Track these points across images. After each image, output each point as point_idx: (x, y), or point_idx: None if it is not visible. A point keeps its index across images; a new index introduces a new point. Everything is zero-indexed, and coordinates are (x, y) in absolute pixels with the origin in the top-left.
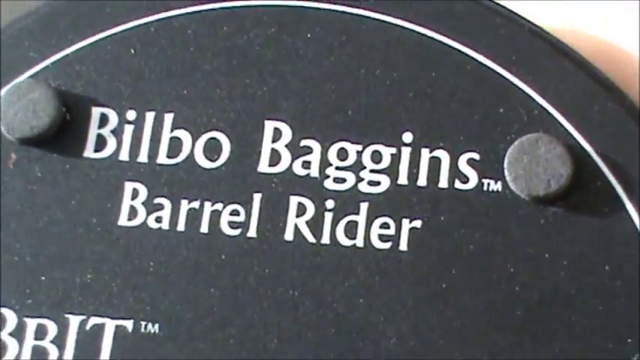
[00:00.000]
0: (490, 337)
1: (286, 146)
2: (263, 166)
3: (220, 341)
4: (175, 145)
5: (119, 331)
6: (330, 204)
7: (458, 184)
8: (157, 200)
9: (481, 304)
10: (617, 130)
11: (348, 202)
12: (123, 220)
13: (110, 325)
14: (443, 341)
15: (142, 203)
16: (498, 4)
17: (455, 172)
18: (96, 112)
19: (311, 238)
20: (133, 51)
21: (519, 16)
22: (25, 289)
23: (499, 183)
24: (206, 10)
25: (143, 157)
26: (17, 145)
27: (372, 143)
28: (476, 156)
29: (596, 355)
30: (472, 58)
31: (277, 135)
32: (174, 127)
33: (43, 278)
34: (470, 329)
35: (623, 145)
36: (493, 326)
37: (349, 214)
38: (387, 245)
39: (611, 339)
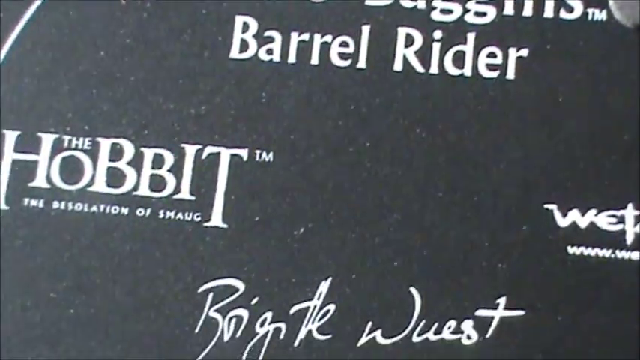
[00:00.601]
0: (596, 160)
1: None
2: None
3: (333, 168)
4: None
5: (234, 159)
6: (437, 35)
7: (563, 14)
8: (267, 33)
9: (587, 128)
10: None
11: (456, 32)
12: (234, 53)
13: (225, 154)
14: (551, 163)
15: (253, 36)
16: None
17: (560, 2)
18: None
19: (420, 68)
20: None
21: None
22: (141, 121)
23: (603, 12)
24: None
25: None
26: None
27: None
28: None
29: None
30: None
31: None
32: None
33: (158, 110)
34: (579, 152)
35: None
36: (599, 149)
37: (457, 44)
38: (495, 74)
39: None
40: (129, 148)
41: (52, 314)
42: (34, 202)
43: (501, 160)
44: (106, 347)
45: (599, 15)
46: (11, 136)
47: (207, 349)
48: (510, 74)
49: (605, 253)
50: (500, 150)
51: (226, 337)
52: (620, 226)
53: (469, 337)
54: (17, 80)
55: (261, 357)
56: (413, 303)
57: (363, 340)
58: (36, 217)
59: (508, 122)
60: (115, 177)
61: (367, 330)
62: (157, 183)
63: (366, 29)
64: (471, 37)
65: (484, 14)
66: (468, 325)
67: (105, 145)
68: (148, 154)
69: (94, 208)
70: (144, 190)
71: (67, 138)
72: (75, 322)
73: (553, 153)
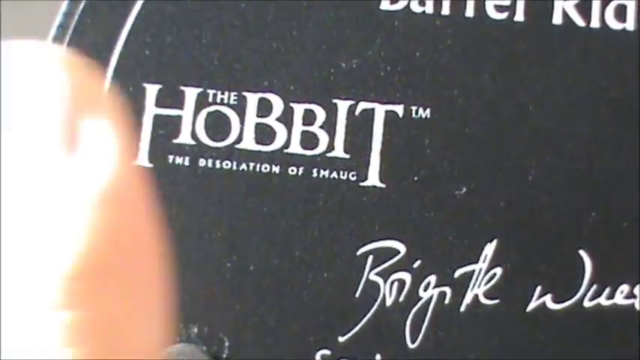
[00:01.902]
0: None
1: None
2: None
3: (492, 125)
4: None
5: (389, 116)
6: None
7: None
8: None
9: None
10: None
11: None
12: (385, 4)
13: (380, 110)
14: None
15: None
16: None
17: None
18: None
19: (580, 22)
20: None
21: None
22: (290, 75)
23: None
24: None
25: None
26: None
27: None
28: None
29: None
30: None
31: None
32: None
33: (307, 63)
34: None
35: None
36: None
37: None
38: None
39: None
40: (278, 104)
41: (202, 276)
42: (179, 160)
43: None
44: (262, 312)
45: None
46: (152, 90)
47: (369, 314)
48: None
49: None
50: None
51: (388, 301)
52: None
53: None
54: (157, 30)
55: (426, 323)
56: (583, 266)
57: (533, 305)
58: (182, 175)
59: None
60: (264, 133)
61: (537, 295)
62: (308, 140)
63: None
64: None
65: None
66: None
67: (252, 99)
68: (298, 109)
69: (244, 166)
70: (295, 148)
71: (211, 92)
72: (228, 286)
73: None
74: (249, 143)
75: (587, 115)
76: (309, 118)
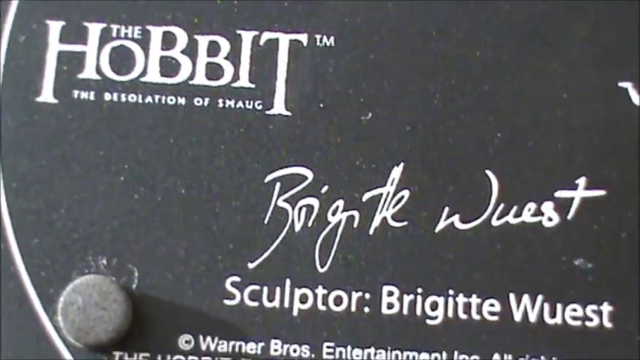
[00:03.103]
0: None
1: None
2: None
3: (396, 50)
4: None
5: (293, 45)
6: None
7: None
8: None
9: None
10: None
11: None
12: None
13: (284, 40)
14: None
15: None
16: None
17: None
18: None
19: None
20: None
21: None
22: (193, 7)
23: None
24: None
25: None
26: None
27: None
28: None
29: None
30: None
31: None
32: None
33: None
34: None
35: None
36: None
37: None
38: None
39: None
40: (182, 36)
41: (110, 209)
42: (84, 95)
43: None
44: (171, 242)
45: None
46: (55, 27)
47: (278, 240)
48: None
49: None
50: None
51: (297, 227)
52: None
53: (550, 219)
54: None
55: (335, 247)
56: (490, 186)
57: (441, 225)
58: (87, 109)
59: None
60: (169, 66)
61: (444, 215)
62: (213, 71)
63: None
64: None
65: None
66: (548, 207)
67: (156, 33)
68: (203, 41)
69: (149, 99)
70: (200, 79)
71: (115, 27)
72: (136, 217)
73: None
74: (154, 76)
75: (490, 39)
76: (213, 49)
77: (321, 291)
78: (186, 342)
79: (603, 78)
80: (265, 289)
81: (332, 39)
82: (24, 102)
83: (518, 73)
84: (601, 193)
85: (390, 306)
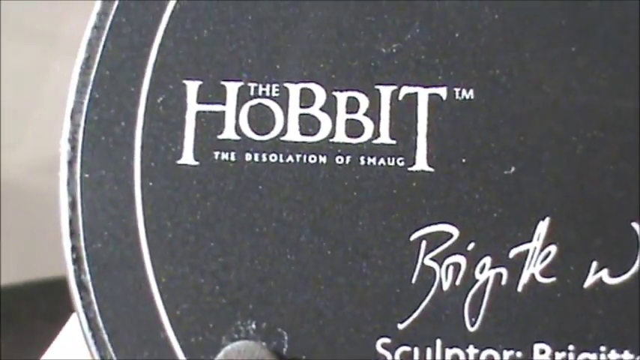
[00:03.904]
0: None
1: None
2: None
3: (536, 103)
4: None
5: (433, 99)
6: None
7: None
8: None
9: None
10: None
11: None
12: None
13: (423, 94)
14: None
15: None
16: None
17: None
18: None
19: None
20: None
21: None
22: (331, 63)
23: None
24: None
25: None
26: None
27: None
28: None
29: None
30: None
31: None
32: None
33: (348, 50)
34: None
35: None
36: None
37: None
38: None
39: None
40: (320, 93)
41: (256, 271)
42: (224, 155)
43: None
44: (320, 304)
45: None
46: (193, 87)
47: (427, 300)
48: None
49: None
50: None
51: (445, 285)
52: None
53: None
54: (193, 26)
55: (484, 305)
56: (637, 239)
57: (590, 280)
58: (229, 170)
59: None
60: (308, 124)
61: (593, 270)
62: (353, 128)
63: None
64: None
65: None
66: None
67: (294, 90)
68: (341, 98)
69: (290, 158)
70: (341, 137)
71: (252, 85)
72: (283, 279)
73: None
74: (294, 135)
75: (631, 88)
76: (352, 105)
77: (472, 350)
78: None
79: None
80: (416, 349)
81: (471, 92)
82: (165, 165)
83: None
84: None
85: None
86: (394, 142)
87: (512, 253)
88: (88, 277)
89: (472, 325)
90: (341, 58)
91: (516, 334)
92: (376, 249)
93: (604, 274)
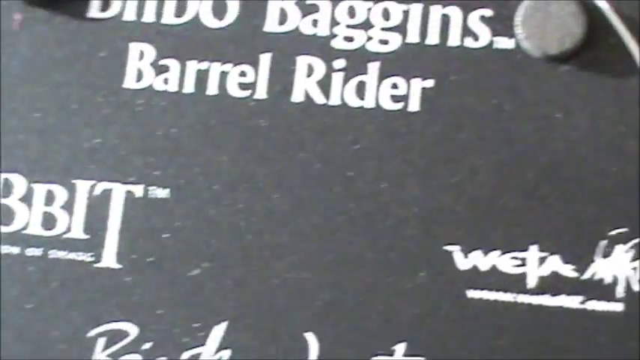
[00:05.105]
0: (500, 199)
1: (295, 4)
2: (270, 26)
3: (229, 206)
4: (182, 3)
5: (129, 196)
6: (339, 64)
7: (469, 42)
8: (163, 62)
9: (491, 165)
10: None
11: (357, 61)
12: (129, 83)
13: (119, 190)
14: (453, 202)
15: (150, 64)
16: None
17: (466, 30)
18: None
19: (320, 99)
20: None
21: None
22: (32, 155)
23: (511, 41)
24: None
25: (149, 17)
26: (23, 5)
27: (382, 0)
28: (488, 13)
29: (610, 218)
30: None
31: None
32: None
33: (50, 143)
34: (479, 191)
35: (637, 2)
36: (505, 188)
37: (358, 74)
38: (398, 106)
39: (625, 201)
40: (20, 183)
41: None
42: None
43: (402, 197)
44: None
45: (507, 44)
46: None
47: None
48: (414, 106)
49: (506, 297)
50: (401, 187)
51: None
52: (522, 269)
53: None
54: None
55: None
56: (308, 348)
57: None
58: None
59: (410, 157)
60: (5, 214)
61: None
62: (48, 221)
63: (265, 57)
64: (373, 66)
65: (387, 42)
66: None
67: None
68: (39, 189)
69: None
70: (35, 228)
71: None
72: None
73: (456, 190)
74: None
75: (322, 196)
76: (49, 198)
77: None
78: None
79: (429, 240)
80: None
81: (167, 191)
82: None
83: (344, 231)
84: (419, 359)
85: None
86: (87, 236)
87: (185, 355)
88: None
89: None
90: (43, 150)
91: None
92: (55, 342)
93: None
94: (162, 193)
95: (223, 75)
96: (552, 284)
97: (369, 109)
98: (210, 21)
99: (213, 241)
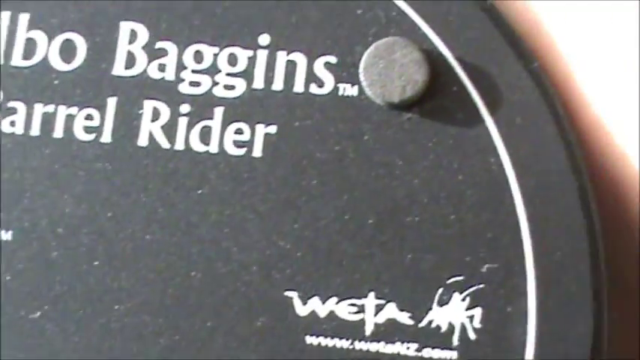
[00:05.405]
0: (341, 245)
1: (142, 48)
2: (118, 69)
3: (73, 249)
4: (30, 46)
5: None
6: (184, 108)
7: (313, 89)
8: (10, 104)
9: (333, 211)
10: (475, 35)
11: (203, 106)
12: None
13: None
14: (293, 248)
15: None
16: None
17: (311, 76)
18: None
19: (165, 144)
20: None
21: None
22: None
23: (355, 88)
24: None
25: None
26: None
27: (229, 45)
28: (332, 59)
29: (448, 265)
30: None
31: (133, 37)
32: (29, 28)
33: None
34: (322, 237)
35: (481, 50)
36: (345, 235)
37: (204, 119)
38: (241, 151)
39: (463, 249)
40: None
41: None
42: None
43: (243, 242)
44: None
45: (350, 90)
46: None
47: None
48: (257, 152)
49: (344, 343)
50: (242, 232)
51: None
52: (360, 316)
53: None
54: None
55: None
56: None
57: None
58: None
59: (252, 202)
60: None
61: None
62: None
63: (112, 101)
64: (218, 111)
65: (233, 87)
66: None
67: None
68: None
69: None
70: None
71: None
72: None
73: (297, 236)
74: None
75: (164, 245)
76: None
77: None
78: None
79: (268, 286)
80: None
81: (9, 233)
82: None
83: (185, 275)
84: None
85: None
86: None
87: None
88: None
89: None
90: None
91: None
92: None
93: None
94: (5, 235)
95: (69, 118)
96: (389, 331)
97: (214, 154)
98: (58, 64)
99: (55, 285)
